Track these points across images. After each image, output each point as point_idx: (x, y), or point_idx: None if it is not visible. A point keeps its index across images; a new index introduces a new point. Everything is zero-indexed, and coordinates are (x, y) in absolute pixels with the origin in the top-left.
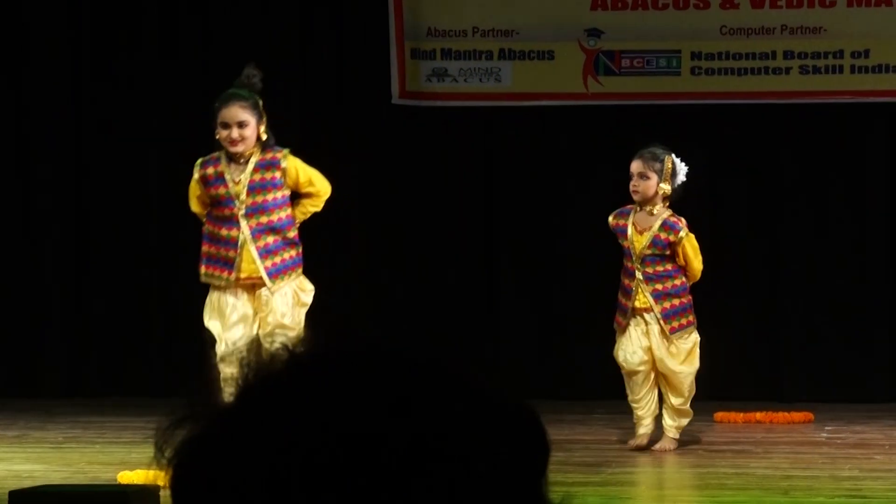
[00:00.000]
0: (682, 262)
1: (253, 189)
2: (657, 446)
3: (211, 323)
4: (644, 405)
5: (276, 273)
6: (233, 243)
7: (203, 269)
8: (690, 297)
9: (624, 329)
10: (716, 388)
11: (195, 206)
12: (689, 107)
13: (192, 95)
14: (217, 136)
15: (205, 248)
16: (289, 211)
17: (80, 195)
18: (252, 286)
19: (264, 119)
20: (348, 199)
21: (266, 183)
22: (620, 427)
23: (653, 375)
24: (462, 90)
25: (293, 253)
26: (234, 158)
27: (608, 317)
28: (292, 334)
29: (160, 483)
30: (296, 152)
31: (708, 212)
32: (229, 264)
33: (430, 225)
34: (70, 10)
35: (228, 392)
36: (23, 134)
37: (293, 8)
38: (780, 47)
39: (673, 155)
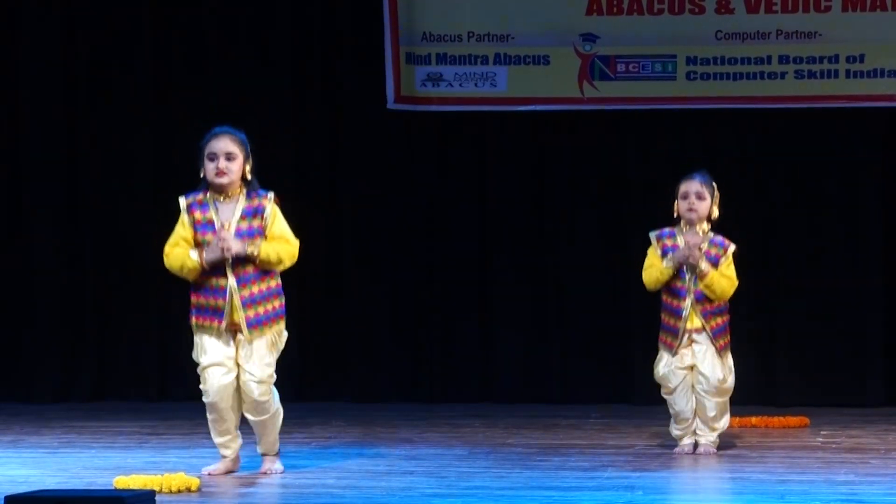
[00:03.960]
0: (711, 290)
1: (240, 237)
2: (700, 450)
3: (202, 362)
4: (685, 418)
5: (257, 324)
6: (221, 292)
7: (194, 321)
8: (728, 318)
9: (675, 350)
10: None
11: (175, 259)
12: (684, 111)
13: (188, 100)
14: (202, 173)
15: (193, 298)
16: None
17: (73, 203)
18: (234, 333)
19: (251, 161)
20: (343, 203)
21: (253, 231)
22: (616, 431)
23: (690, 391)
24: (457, 95)
25: (276, 304)
26: (219, 193)
27: (602, 321)
28: (264, 384)
29: (155, 488)
30: (291, 158)
31: None
32: (219, 313)
33: (425, 229)
34: (65, 27)
35: (217, 431)
36: (16, 146)
37: (288, 13)
38: (775, 52)
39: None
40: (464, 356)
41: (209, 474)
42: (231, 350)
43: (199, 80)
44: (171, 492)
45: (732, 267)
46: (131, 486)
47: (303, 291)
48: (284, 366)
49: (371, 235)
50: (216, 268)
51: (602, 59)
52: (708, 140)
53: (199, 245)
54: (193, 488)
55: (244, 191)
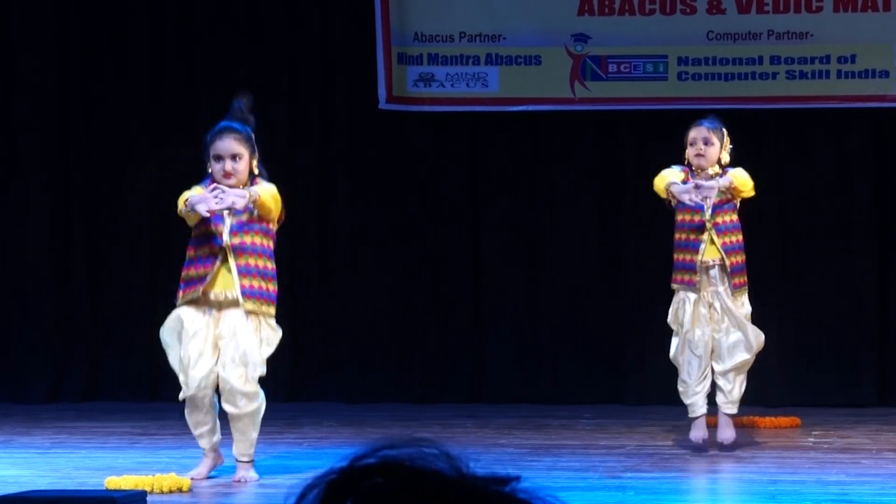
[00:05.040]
0: (737, 189)
1: (238, 229)
2: (721, 437)
3: (170, 347)
4: (699, 383)
5: (251, 294)
6: (212, 259)
7: (180, 294)
8: (745, 258)
9: (695, 285)
10: (710, 393)
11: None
12: (676, 112)
13: (180, 100)
14: (209, 170)
15: (184, 272)
16: (270, 243)
17: (65, 203)
18: (219, 306)
19: (257, 153)
20: (335, 203)
21: (252, 225)
22: (607, 432)
23: (709, 348)
24: (449, 95)
25: (270, 287)
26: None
27: (593, 322)
28: (247, 372)
29: (146, 489)
30: (283, 157)
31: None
32: (202, 280)
33: (417, 230)
34: (58, 29)
35: (194, 422)
36: (7, 147)
37: (280, 13)
38: (766, 52)
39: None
40: (455, 357)
41: (193, 479)
42: (211, 335)
43: (189, 80)
44: (162, 492)
45: (740, 171)
46: (123, 487)
47: (293, 291)
48: (276, 366)
49: (362, 235)
50: (213, 235)
51: (593, 60)
52: None
53: (203, 229)
54: (185, 489)
55: (250, 184)
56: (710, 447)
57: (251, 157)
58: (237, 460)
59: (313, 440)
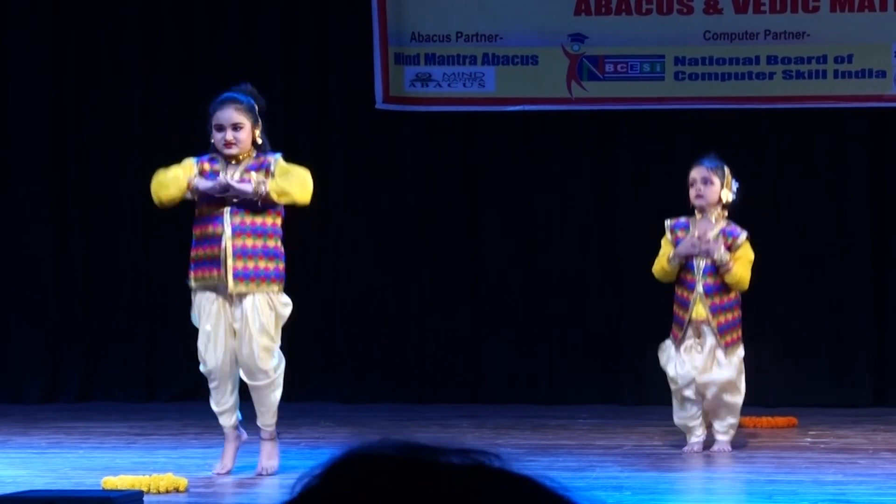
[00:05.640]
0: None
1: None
2: (715, 448)
3: (201, 329)
4: (693, 417)
5: (242, 277)
6: (217, 240)
7: (192, 275)
8: (740, 313)
9: (680, 342)
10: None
11: (172, 188)
12: (672, 112)
13: (178, 100)
14: (212, 139)
15: (193, 252)
16: (276, 220)
17: (62, 204)
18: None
19: (260, 123)
20: (332, 203)
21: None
22: (604, 432)
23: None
24: (446, 95)
25: (270, 265)
26: (228, 161)
27: (591, 322)
28: (265, 347)
29: (143, 489)
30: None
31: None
32: (216, 262)
33: (414, 229)
34: (53, 26)
35: (216, 400)
36: (4, 148)
37: (277, 13)
38: (763, 52)
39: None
40: (452, 357)
41: (217, 474)
42: (227, 314)
43: (186, 82)
44: (159, 492)
45: (746, 249)
46: (119, 487)
47: (291, 291)
48: None
49: (360, 235)
50: (215, 216)
51: (590, 60)
52: (696, 140)
53: (200, 195)
54: (182, 489)
55: (254, 153)
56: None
57: (253, 127)
58: (261, 436)
59: (310, 440)
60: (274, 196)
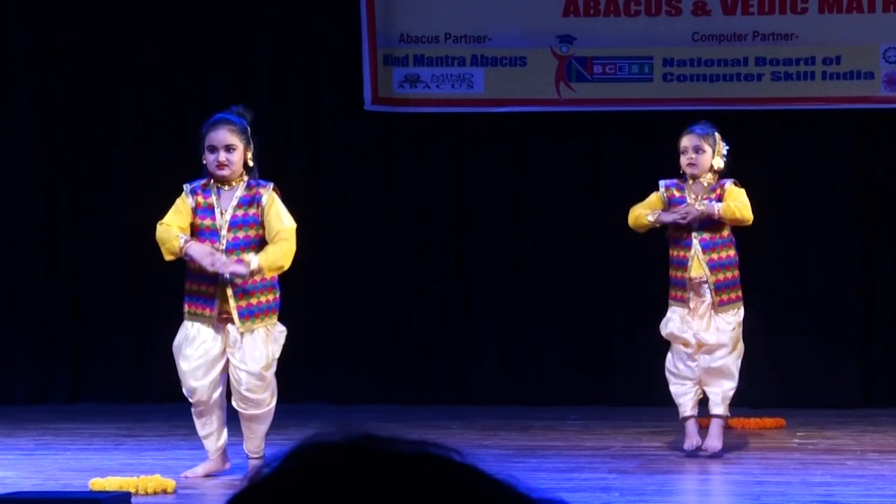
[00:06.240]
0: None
1: (235, 225)
2: (706, 445)
3: (181, 360)
4: (686, 389)
5: (248, 315)
6: (212, 279)
7: (186, 308)
8: (739, 273)
9: (686, 302)
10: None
11: (164, 232)
12: (661, 113)
13: (164, 103)
14: (203, 161)
15: (187, 285)
16: None
17: (51, 206)
18: (227, 320)
19: (252, 146)
20: (322, 205)
21: (248, 219)
22: (592, 433)
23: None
24: (434, 97)
25: (270, 297)
26: (220, 184)
27: (579, 323)
28: (261, 380)
29: (131, 490)
30: (269, 159)
31: None
32: (209, 301)
33: (403, 231)
34: (42, 28)
35: (202, 424)
36: None
37: (265, 14)
38: (751, 54)
39: (717, 131)
40: (441, 358)
41: (185, 476)
42: (219, 344)
43: (174, 83)
44: (147, 493)
45: (739, 195)
46: (107, 488)
47: (280, 293)
48: None
49: (348, 237)
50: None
51: (579, 61)
52: None
53: (195, 229)
54: (169, 490)
55: (245, 179)
56: (699, 451)
57: (246, 150)
58: (249, 458)
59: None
60: (267, 274)
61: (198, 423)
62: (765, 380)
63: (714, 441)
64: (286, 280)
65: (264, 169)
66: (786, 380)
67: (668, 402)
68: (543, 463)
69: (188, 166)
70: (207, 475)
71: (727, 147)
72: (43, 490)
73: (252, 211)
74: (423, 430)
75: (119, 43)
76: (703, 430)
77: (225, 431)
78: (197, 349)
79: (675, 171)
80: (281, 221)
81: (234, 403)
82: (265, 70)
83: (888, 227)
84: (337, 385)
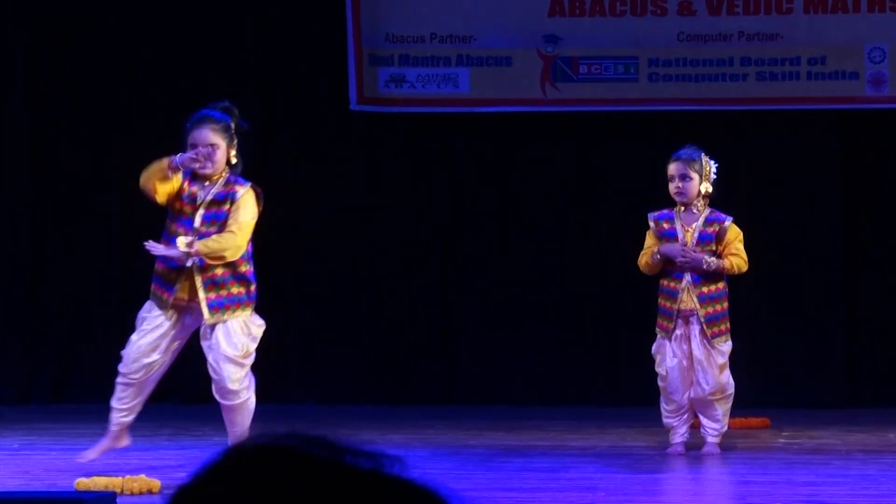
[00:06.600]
0: (729, 251)
1: (208, 219)
2: (704, 450)
3: (136, 331)
4: (678, 413)
5: (218, 306)
6: (171, 284)
7: (152, 287)
8: (728, 305)
9: (669, 333)
10: None
11: (156, 179)
12: (646, 113)
13: (150, 101)
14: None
15: (156, 266)
16: (246, 246)
17: (35, 206)
18: (188, 307)
19: (235, 143)
20: (307, 204)
21: (221, 215)
22: (578, 433)
23: (687, 382)
24: (420, 96)
25: (242, 289)
26: (202, 179)
27: (567, 322)
28: (237, 368)
29: (116, 490)
30: (254, 158)
31: None
32: (170, 287)
33: (388, 230)
34: (28, 29)
35: (119, 397)
36: None
37: (251, 14)
38: (737, 54)
39: (704, 154)
40: (427, 358)
41: (78, 461)
42: (171, 333)
43: (160, 81)
44: (132, 493)
45: (738, 243)
46: (92, 489)
47: (266, 293)
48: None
49: (334, 236)
50: (177, 225)
51: (564, 61)
52: (669, 141)
53: (174, 212)
54: (155, 490)
55: (225, 175)
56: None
57: (228, 148)
58: None
59: None
60: (207, 260)
61: (117, 393)
62: (750, 380)
63: (709, 451)
64: (270, 279)
65: (250, 168)
66: (771, 380)
67: (655, 402)
68: (529, 463)
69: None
70: (104, 452)
71: (716, 166)
72: (28, 490)
73: (225, 207)
74: (410, 429)
75: (106, 38)
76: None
77: (138, 409)
78: (150, 328)
79: (661, 170)
80: (237, 216)
81: (215, 395)
82: (250, 70)
83: (872, 227)
84: (322, 385)
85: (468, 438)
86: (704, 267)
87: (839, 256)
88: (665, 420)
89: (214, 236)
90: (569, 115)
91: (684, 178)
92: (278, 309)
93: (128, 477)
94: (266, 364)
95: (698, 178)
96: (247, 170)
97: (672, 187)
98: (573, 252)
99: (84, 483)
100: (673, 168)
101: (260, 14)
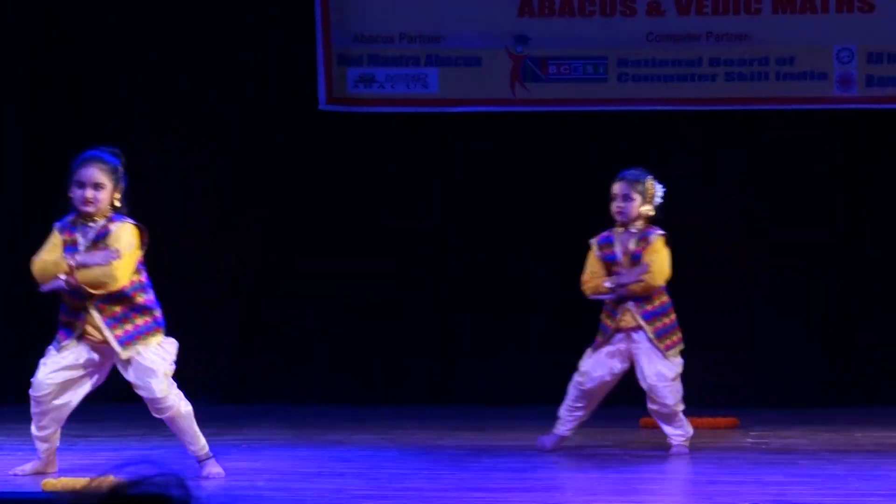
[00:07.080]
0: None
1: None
2: (672, 451)
3: (46, 358)
4: (574, 417)
5: (129, 340)
6: (77, 313)
7: (60, 318)
8: (675, 317)
9: (598, 347)
10: (641, 393)
11: (40, 265)
12: (615, 113)
13: (112, 107)
14: (71, 194)
15: (60, 316)
16: (136, 278)
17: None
18: (100, 347)
19: (121, 186)
20: (278, 205)
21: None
22: (547, 433)
23: (600, 396)
24: (389, 97)
25: (147, 318)
26: (84, 221)
27: (534, 323)
28: (159, 380)
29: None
30: (224, 160)
31: None
32: (71, 332)
33: (359, 231)
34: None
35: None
36: None
37: (219, 13)
38: (706, 54)
39: (651, 177)
40: (400, 359)
41: (15, 474)
42: (81, 359)
43: (124, 81)
44: None
45: (654, 254)
46: (60, 490)
47: (238, 294)
48: (221, 368)
49: (306, 238)
50: (76, 289)
51: (533, 61)
52: (639, 142)
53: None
54: None
55: (110, 215)
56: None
57: (114, 189)
58: (198, 461)
59: (253, 441)
60: (87, 289)
61: (35, 421)
62: (718, 379)
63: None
64: (242, 280)
65: (220, 169)
66: (739, 379)
67: (622, 402)
68: (498, 463)
69: (145, 166)
70: (36, 474)
71: (663, 190)
72: None
73: (101, 245)
74: (378, 430)
75: (82, 37)
76: (655, 430)
77: (58, 436)
78: (65, 356)
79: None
80: (116, 243)
81: (152, 412)
82: (218, 69)
83: (842, 227)
84: (302, 385)
85: (437, 438)
86: (631, 287)
87: (806, 256)
88: (561, 411)
89: (93, 267)
90: (538, 114)
91: (626, 198)
92: (248, 310)
93: (96, 477)
94: (237, 365)
95: (640, 199)
96: (215, 171)
97: (613, 206)
98: (541, 251)
99: (51, 484)
100: (617, 187)
101: (227, 12)
